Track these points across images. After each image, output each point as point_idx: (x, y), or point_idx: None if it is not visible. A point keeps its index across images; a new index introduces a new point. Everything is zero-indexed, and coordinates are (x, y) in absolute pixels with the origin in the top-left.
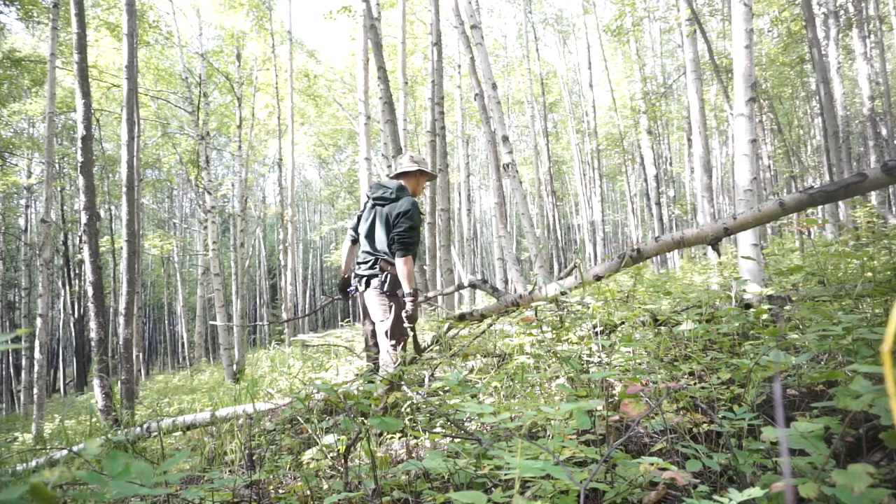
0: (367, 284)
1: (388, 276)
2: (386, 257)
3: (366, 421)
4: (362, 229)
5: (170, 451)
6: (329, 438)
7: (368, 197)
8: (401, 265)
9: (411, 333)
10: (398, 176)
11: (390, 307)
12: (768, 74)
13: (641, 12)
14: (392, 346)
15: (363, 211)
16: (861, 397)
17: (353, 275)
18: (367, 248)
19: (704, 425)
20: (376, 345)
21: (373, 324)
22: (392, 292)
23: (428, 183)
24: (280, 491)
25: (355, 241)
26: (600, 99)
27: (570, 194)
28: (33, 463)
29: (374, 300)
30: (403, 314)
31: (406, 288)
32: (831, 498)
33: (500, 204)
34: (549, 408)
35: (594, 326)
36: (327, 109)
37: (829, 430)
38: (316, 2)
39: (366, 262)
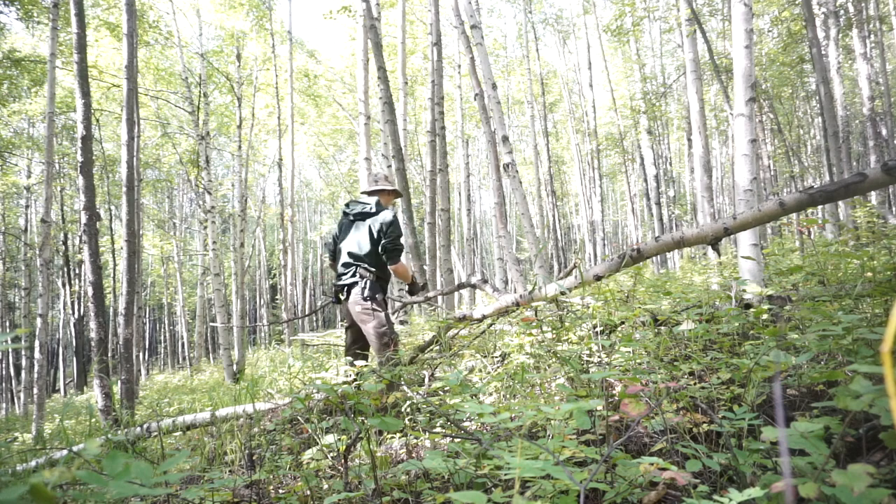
0: (349, 293)
1: (368, 282)
2: (365, 265)
3: (366, 421)
4: (344, 243)
5: (170, 451)
6: (329, 438)
7: (346, 213)
8: (398, 268)
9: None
10: (374, 192)
11: (374, 311)
12: (768, 74)
13: (641, 12)
14: (384, 344)
15: (340, 229)
16: (861, 397)
17: (335, 285)
18: (348, 259)
19: (704, 425)
20: (359, 350)
21: (356, 332)
22: (373, 296)
23: (397, 199)
24: (280, 491)
25: (334, 258)
26: (600, 99)
27: (570, 194)
28: (33, 463)
29: (357, 307)
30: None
31: (408, 280)
32: (831, 498)
33: (500, 204)
34: (549, 408)
35: (594, 326)
36: (327, 109)
37: (829, 430)
38: (316, 2)
39: (347, 272)
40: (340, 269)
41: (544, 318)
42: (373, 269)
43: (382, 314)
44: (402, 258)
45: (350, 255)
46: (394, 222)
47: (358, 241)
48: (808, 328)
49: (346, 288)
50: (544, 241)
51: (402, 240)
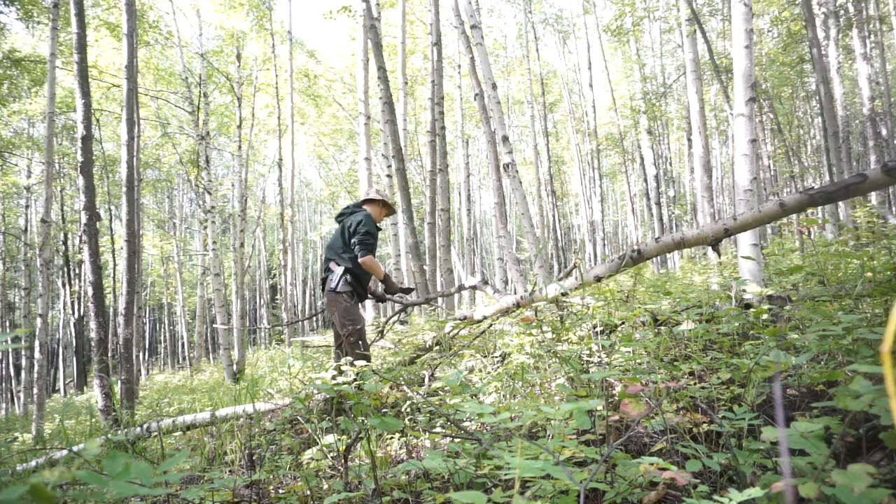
0: (324, 286)
1: (337, 275)
2: (336, 259)
3: (366, 421)
4: (328, 244)
5: (170, 451)
6: (329, 438)
7: (335, 219)
8: (366, 262)
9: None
10: (364, 202)
11: (339, 302)
12: (768, 74)
13: (641, 12)
14: (347, 334)
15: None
16: (861, 397)
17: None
18: (326, 256)
19: (704, 425)
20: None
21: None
22: (335, 288)
23: (388, 216)
24: (280, 491)
25: None
26: (600, 99)
27: (570, 194)
28: (33, 463)
29: (326, 297)
30: (380, 289)
31: (379, 276)
32: (831, 498)
33: (500, 204)
34: (549, 408)
35: (594, 326)
36: (327, 109)
37: (829, 430)
38: (316, 2)
39: (325, 267)
40: (322, 267)
41: (544, 319)
42: (343, 264)
43: (347, 305)
44: (368, 256)
45: (328, 251)
46: (363, 220)
47: (335, 239)
48: (808, 328)
49: (321, 282)
50: (544, 241)
51: (371, 236)
